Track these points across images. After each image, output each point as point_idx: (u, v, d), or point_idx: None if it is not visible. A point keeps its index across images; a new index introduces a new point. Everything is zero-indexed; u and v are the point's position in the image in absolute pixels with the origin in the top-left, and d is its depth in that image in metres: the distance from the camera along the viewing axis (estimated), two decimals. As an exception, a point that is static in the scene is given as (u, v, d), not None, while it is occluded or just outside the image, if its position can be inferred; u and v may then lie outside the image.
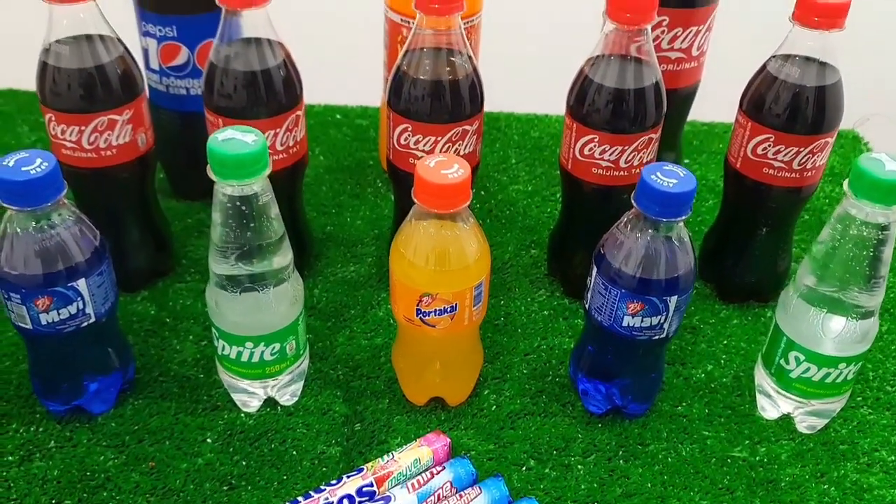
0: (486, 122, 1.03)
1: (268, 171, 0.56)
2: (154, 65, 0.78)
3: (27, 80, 1.02)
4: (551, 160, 0.97)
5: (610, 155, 0.68)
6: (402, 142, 0.68)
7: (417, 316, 0.60)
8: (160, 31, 0.76)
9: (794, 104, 0.66)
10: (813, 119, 0.67)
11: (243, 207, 0.57)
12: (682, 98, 0.82)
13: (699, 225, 0.87)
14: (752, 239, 0.76)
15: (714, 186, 0.93)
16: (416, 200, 0.57)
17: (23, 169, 0.54)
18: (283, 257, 0.60)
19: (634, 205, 0.58)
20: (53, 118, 0.66)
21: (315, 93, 1.06)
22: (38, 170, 0.54)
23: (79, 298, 0.58)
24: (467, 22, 0.80)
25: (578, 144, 0.69)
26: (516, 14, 1.10)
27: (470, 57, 0.67)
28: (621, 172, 0.69)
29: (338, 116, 1.03)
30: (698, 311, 0.77)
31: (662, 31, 0.77)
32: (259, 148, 0.55)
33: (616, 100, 0.66)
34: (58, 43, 0.64)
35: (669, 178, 0.56)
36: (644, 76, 0.66)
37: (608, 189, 0.70)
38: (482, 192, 0.91)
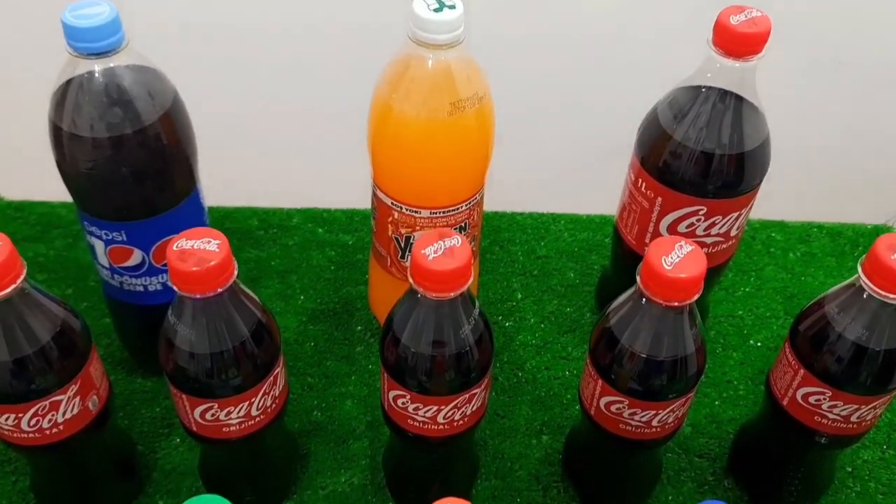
0: (486, 231, 0.92)
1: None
2: (103, 262, 0.67)
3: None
4: (560, 290, 0.87)
5: (641, 417, 0.59)
6: (400, 405, 0.58)
7: None
8: (106, 234, 0.64)
9: (856, 365, 0.57)
10: (878, 380, 0.57)
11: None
12: (712, 272, 0.72)
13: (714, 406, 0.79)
14: (793, 458, 0.68)
15: (729, 356, 0.83)
16: None
17: None
18: None
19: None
20: (-17, 403, 0.56)
21: (294, 196, 0.95)
22: None
23: None
24: (471, 200, 0.68)
25: (603, 401, 0.59)
26: (519, 102, 0.95)
27: (481, 312, 0.56)
28: (653, 430, 0.60)
29: (319, 231, 0.91)
30: (729, 527, 0.70)
31: (699, 220, 0.66)
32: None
33: (647, 368, 0.56)
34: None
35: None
36: (684, 344, 0.56)
37: (637, 441, 0.61)
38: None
